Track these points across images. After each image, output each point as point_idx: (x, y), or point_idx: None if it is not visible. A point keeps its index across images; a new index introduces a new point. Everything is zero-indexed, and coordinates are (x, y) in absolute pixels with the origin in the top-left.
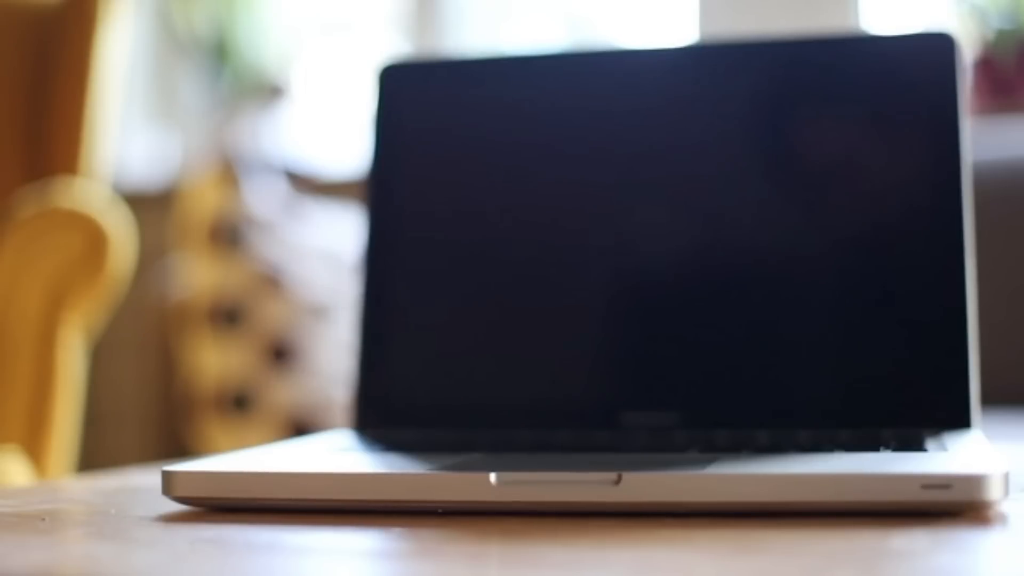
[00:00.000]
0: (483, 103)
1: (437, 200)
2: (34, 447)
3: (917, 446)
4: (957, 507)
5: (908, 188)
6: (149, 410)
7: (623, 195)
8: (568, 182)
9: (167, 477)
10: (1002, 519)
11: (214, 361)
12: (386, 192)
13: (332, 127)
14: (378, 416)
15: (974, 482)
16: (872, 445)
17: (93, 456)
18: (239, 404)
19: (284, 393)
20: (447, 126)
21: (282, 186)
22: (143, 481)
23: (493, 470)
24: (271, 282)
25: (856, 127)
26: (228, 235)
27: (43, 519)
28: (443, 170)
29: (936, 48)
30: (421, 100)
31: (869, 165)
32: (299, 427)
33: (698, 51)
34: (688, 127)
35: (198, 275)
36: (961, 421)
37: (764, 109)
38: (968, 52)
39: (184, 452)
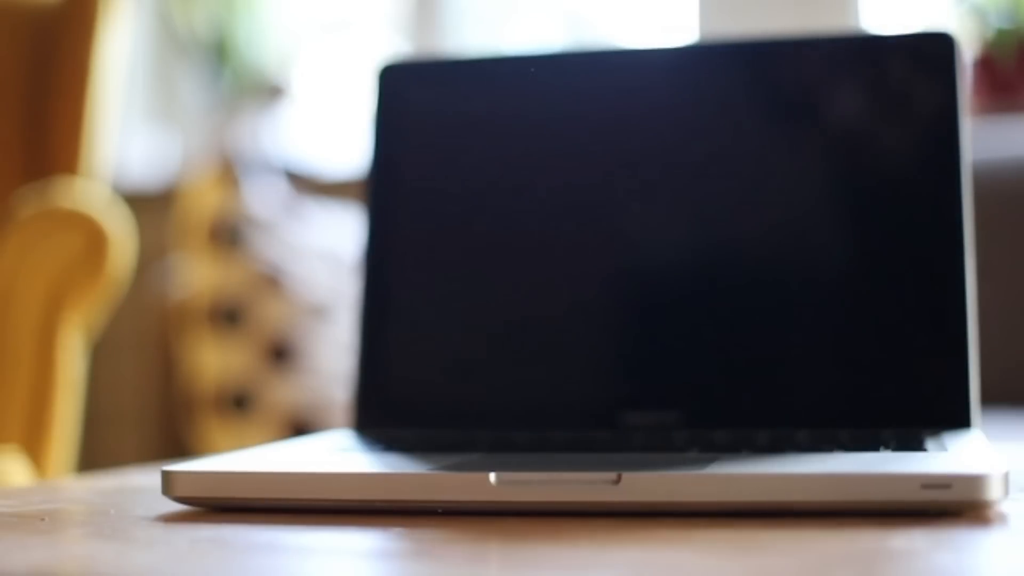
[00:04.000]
0: (483, 103)
1: (437, 200)
2: (34, 447)
3: (917, 446)
4: (957, 507)
5: (908, 188)
6: (149, 410)
7: (623, 194)
8: (568, 182)
9: (167, 477)
10: (1002, 519)
11: (214, 361)
12: (386, 192)
13: (332, 127)
14: (378, 416)
15: (974, 482)
16: (872, 445)
17: (93, 456)
18: (239, 404)
19: (284, 393)
20: (446, 126)
21: (282, 186)
22: (143, 481)
23: (493, 470)
24: (271, 282)
25: (856, 127)
26: (228, 235)
27: (43, 519)
28: (442, 171)
29: (936, 48)
30: (421, 100)
31: (868, 165)
32: (299, 427)
33: (698, 51)
34: (688, 126)
35: (198, 275)
36: (961, 421)
37: (764, 109)
38: (968, 52)
39: (184, 452)
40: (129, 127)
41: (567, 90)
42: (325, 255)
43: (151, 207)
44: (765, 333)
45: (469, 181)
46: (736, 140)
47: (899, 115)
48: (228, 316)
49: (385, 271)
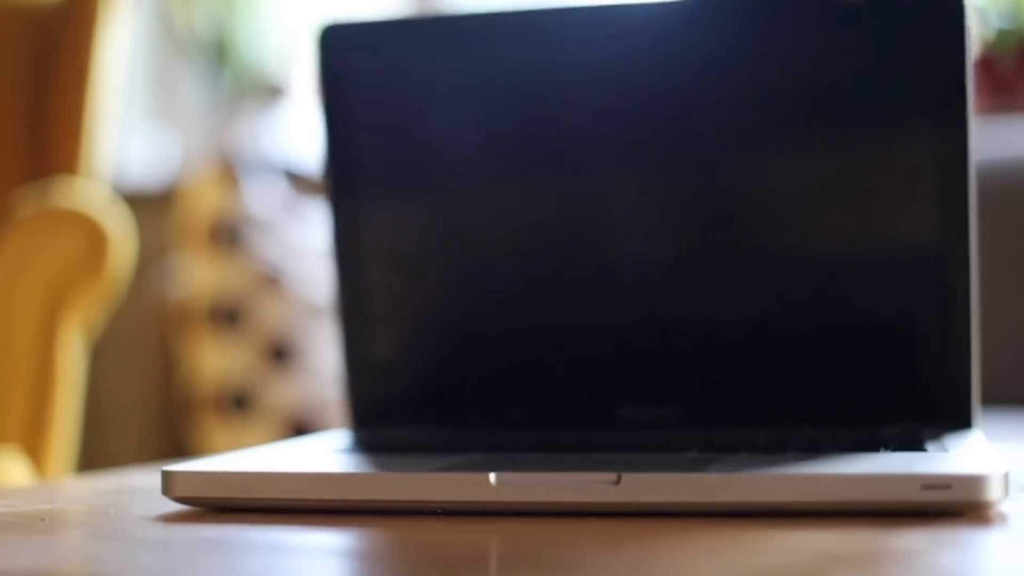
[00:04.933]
0: (436, 66)
1: (413, 183)
2: (34, 447)
3: (917, 446)
4: (957, 507)
5: (911, 183)
6: (149, 410)
7: (613, 177)
8: (549, 163)
9: (167, 477)
10: (1002, 519)
11: (214, 361)
12: (353, 178)
13: None
14: (376, 416)
15: (974, 482)
16: (872, 445)
17: (93, 456)
18: (239, 404)
19: (284, 393)
20: (399, 92)
21: (282, 186)
22: (143, 481)
23: (493, 470)
24: (271, 282)
25: (856, 94)
26: (228, 235)
27: (43, 519)
28: (409, 147)
29: (942, 7)
30: (367, 64)
31: (871, 146)
32: (299, 427)
33: (683, 6)
34: (673, 92)
35: (198, 275)
36: (961, 421)
37: (760, 73)
38: None
39: (184, 452)
40: (129, 127)
41: (517, 51)
42: (325, 255)
43: (151, 207)
44: (765, 332)
45: (442, 163)
46: (728, 109)
47: (904, 80)
48: (228, 316)
49: (366, 262)
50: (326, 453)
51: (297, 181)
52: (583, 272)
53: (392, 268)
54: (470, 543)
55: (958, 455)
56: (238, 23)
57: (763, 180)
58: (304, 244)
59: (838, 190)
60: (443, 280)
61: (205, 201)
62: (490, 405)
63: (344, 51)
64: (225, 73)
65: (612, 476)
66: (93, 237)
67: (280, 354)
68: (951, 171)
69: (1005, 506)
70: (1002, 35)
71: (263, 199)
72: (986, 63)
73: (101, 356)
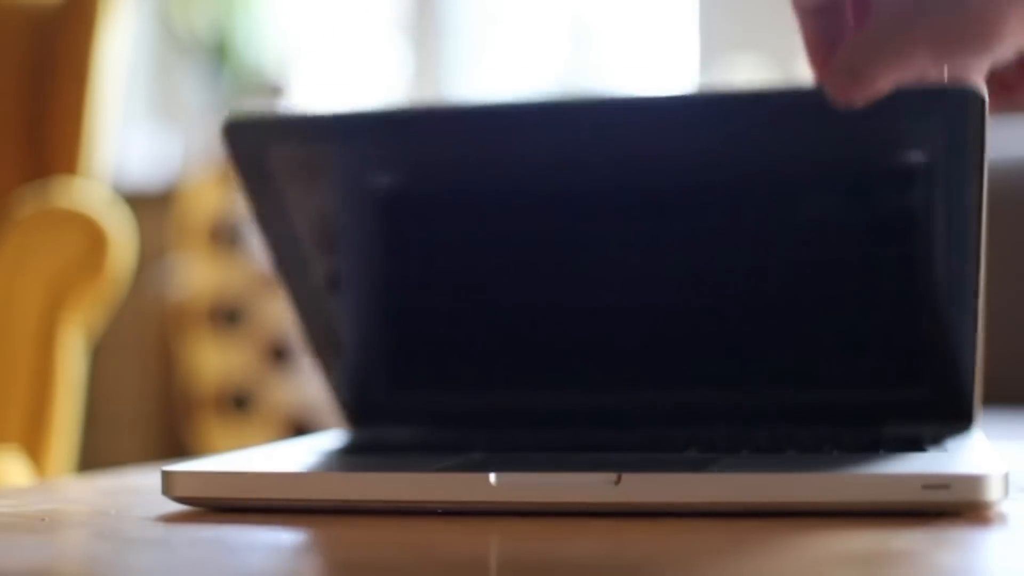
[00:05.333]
0: (344, 161)
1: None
2: (34, 447)
3: (917, 446)
4: (957, 507)
5: (914, 188)
6: (149, 410)
7: (616, 205)
8: (552, 192)
9: (167, 477)
10: (1002, 519)
11: (214, 361)
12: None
13: None
14: (374, 416)
15: (974, 482)
16: (872, 445)
17: (93, 456)
18: (239, 404)
19: (284, 393)
20: (310, 184)
21: None
22: (143, 481)
23: (493, 470)
24: (271, 282)
25: (860, 168)
26: (228, 235)
27: (43, 519)
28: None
29: (958, 106)
30: (274, 157)
31: (872, 170)
32: (299, 427)
33: (666, 103)
34: (667, 176)
35: (198, 275)
36: (961, 421)
37: (759, 160)
38: None
39: (184, 452)
40: (130, 127)
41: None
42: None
43: (151, 207)
44: (765, 332)
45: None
46: (731, 179)
47: (911, 154)
48: (228, 316)
49: (368, 268)
50: (326, 453)
51: None
52: (583, 271)
53: (405, 278)
54: (470, 543)
55: (958, 455)
56: (238, 23)
57: (767, 203)
58: None
59: (839, 193)
60: (436, 281)
61: (205, 201)
62: (489, 404)
63: (249, 144)
64: (225, 73)
65: (612, 476)
66: (93, 237)
67: (280, 354)
68: (958, 172)
69: (1005, 506)
70: None
71: None
72: None
73: (101, 356)
